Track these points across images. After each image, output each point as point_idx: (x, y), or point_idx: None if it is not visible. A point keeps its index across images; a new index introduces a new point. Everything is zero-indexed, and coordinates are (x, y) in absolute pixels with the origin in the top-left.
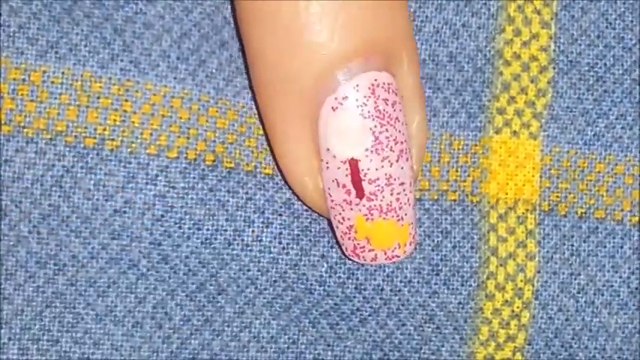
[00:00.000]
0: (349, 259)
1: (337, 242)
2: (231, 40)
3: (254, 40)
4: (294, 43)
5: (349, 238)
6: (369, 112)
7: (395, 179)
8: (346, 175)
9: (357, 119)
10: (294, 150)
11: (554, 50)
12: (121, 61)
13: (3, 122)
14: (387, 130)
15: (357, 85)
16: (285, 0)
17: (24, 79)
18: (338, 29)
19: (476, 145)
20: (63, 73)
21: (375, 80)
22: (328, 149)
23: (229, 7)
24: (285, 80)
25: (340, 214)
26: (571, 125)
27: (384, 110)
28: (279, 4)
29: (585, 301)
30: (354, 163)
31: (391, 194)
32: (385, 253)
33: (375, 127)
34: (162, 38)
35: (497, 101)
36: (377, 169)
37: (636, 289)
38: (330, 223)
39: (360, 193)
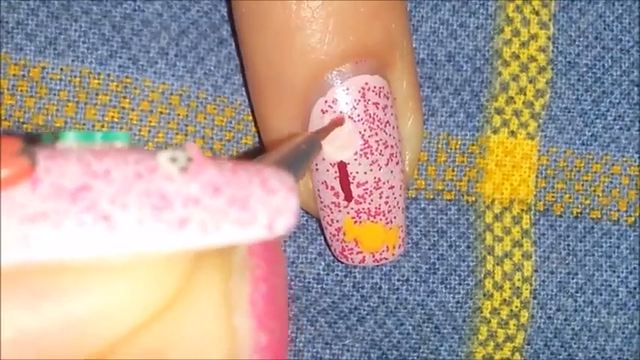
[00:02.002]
0: (338, 260)
1: (327, 243)
2: (230, 37)
3: (248, 40)
4: (286, 45)
5: (337, 240)
6: (358, 115)
7: (384, 183)
8: (335, 178)
9: (347, 123)
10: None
11: (553, 51)
12: (120, 58)
13: (3, 118)
14: (376, 134)
15: (347, 89)
16: (277, 2)
17: (23, 75)
18: (329, 32)
19: (473, 145)
20: (62, 69)
21: (366, 84)
22: None
23: (227, 5)
24: (277, 81)
25: (329, 215)
26: (569, 126)
27: (374, 114)
28: (271, 6)
29: (584, 301)
30: (342, 166)
31: (380, 197)
32: (373, 256)
33: (365, 130)
34: (161, 36)
35: (495, 101)
36: (365, 173)
37: (635, 288)
38: (320, 224)
39: (349, 196)
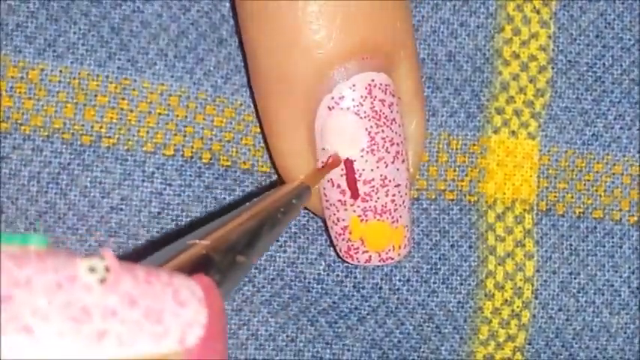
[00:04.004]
0: (343, 261)
1: (331, 243)
2: (229, 37)
3: (253, 38)
4: (292, 42)
5: (343, 239)
6: (365, 112)
7: (390, 180)
8: (341, 176)
9: (353, 119)
10: (290, 148)
11: (553, 50)
12: (119, 59)
13: (1, 120)
14: (383, 130)
15: (354, 85)
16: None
17: (22, 77)
18: (336, 29)
19: (474, 145)
20: (61, 71)
21: (372, 81)
22: (324, 149)
23: (227, 4)
24: (283, 79)
25: (335, 214)
26: (569, 125)
27: (380, 111)
28: (277, 3)
29: (586, 301)
30: (349, 164)
31: (386, 195)
32: (379, 255)
33: (372, 127)
34: (160, 37)
35: (496, 101)
36: (372, 170)
37: (637, 288)
38: (325, 224)
39: (355, 194)
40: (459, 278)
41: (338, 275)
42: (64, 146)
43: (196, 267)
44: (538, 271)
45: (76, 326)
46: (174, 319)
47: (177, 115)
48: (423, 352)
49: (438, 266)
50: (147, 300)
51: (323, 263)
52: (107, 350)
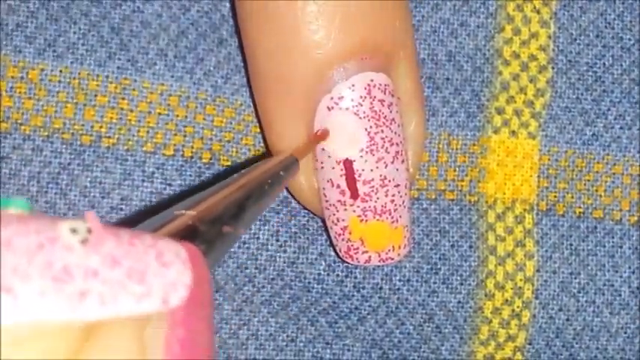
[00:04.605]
0: (343, 261)
1: (331, 243)
2: (230, 37)
3: (252, 38)
4: (291, 42)
5: (343, 240)
6: (364, 112)
7: (390, 181)
8: (341, 176)
9: (353, 119)
10: (290, 148)
11: (554, 50)
12: (119, 59)
13: (1, 120)
14: (382, 131)
15: (353, 85)
16: (282, 0)
17: (22, 77)
18: (334, 29)
19: (474, 145)
20: (61, 71)
21: (372, 81)
22: (323, 149)
23: (227, 4)
24: (283, 80)
25: (335, 214)
26: (570, 125)
27: (379, 111)
28: (276, 3)
29: (586, 301)
30: (348, 164)
31: (386, 196)
32: (379, 255)
33: (371, 127)
34: (160, 36)
35: (496, 101)
36: (372, 170)
37: (637, 288)
38: (325, 224)
39: (355, 194)
40: (459, 278)
41: (338, 275)
42: (64, 146)
43: (183, 237)
44: (538, 271)
45: (57, 286)
46: (157, 279)
47: (177, 115)
48: (424, 352)
49: (438, 266)
50: (129, 260)
51: (323, 263)
52: (89, 309)
